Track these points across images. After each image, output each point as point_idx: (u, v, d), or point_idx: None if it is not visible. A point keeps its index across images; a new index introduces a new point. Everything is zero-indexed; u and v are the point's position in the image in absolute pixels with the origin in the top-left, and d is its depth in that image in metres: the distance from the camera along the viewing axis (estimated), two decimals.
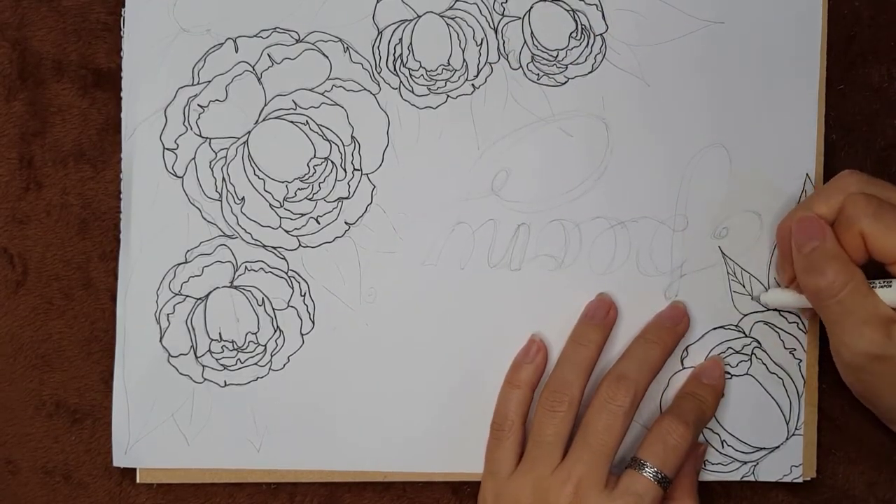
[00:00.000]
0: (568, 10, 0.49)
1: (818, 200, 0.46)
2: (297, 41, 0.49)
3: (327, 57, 0.49)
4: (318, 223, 0.49)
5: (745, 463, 0.49)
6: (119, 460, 0.49)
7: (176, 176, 0.49)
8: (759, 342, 0.49)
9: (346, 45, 0.49)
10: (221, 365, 0.49)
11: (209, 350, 0.49)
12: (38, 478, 0.50)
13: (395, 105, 0.49)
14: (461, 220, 0.49)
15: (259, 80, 0.48)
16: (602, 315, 0.48)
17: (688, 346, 0.49)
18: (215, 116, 0.48)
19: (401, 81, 0.49)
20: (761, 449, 0.49)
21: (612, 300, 0.49)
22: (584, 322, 0.48)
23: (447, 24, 0.49)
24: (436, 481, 0.50)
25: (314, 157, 0.49)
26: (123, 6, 0.49)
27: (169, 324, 0.48)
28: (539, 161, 0.49)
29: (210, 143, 0.48)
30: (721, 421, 0.49)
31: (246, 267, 0.49)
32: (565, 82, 0.49)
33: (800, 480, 0.49)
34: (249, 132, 0.49)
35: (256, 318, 0.49)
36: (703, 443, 0.49)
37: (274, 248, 0.49)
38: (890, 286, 0.44)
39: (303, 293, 0.49)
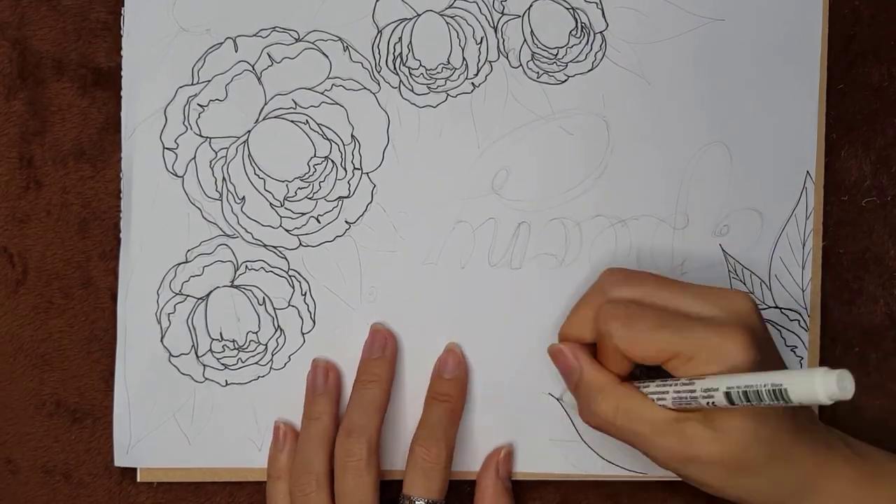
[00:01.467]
0: (568, 8, 0.49)
1: (578, 314, 0.44)
2: (297, 40, 0.48)
3: (327, 56, 0.49)
4: (319, 222, 0.49)
5: None
6: (120, 460, 0.49)
7: (176, 175, 0.48)
8: None
9: (345, 44, 0.49)
10: (222, 364, 0.49)
11: (210, 349, 0.48)
12: (38, 477, 0.50)
13: (395, 104, 0.49)
14: (461, 218, 0.49)
15: (259, 79, 0.48)
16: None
17: None
18: (215, 116, 0.48)
19: (401, 80, 0.49)
20: None
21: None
22: (310, 395, 0.48)
23: (447, 23, 0.49)
24: None
25: (314, 156, 0.49)
26: (123, 6, 0.48)
27: (170, 323, 0.48)
28: (539, 159, 0.49)
29: (210, 143, 0.48)
30: None
31: (246, 266, 0.48)
32: (565, 80, 0.49)
33: None
34: (249, 131, 0.48)
35: (257, 317, 0.48)
36: (506, 446, 0.48)
37: (274, 247, 0.49)
38: (662, 386, 0.41)
39: (303, 292, 0.49)
